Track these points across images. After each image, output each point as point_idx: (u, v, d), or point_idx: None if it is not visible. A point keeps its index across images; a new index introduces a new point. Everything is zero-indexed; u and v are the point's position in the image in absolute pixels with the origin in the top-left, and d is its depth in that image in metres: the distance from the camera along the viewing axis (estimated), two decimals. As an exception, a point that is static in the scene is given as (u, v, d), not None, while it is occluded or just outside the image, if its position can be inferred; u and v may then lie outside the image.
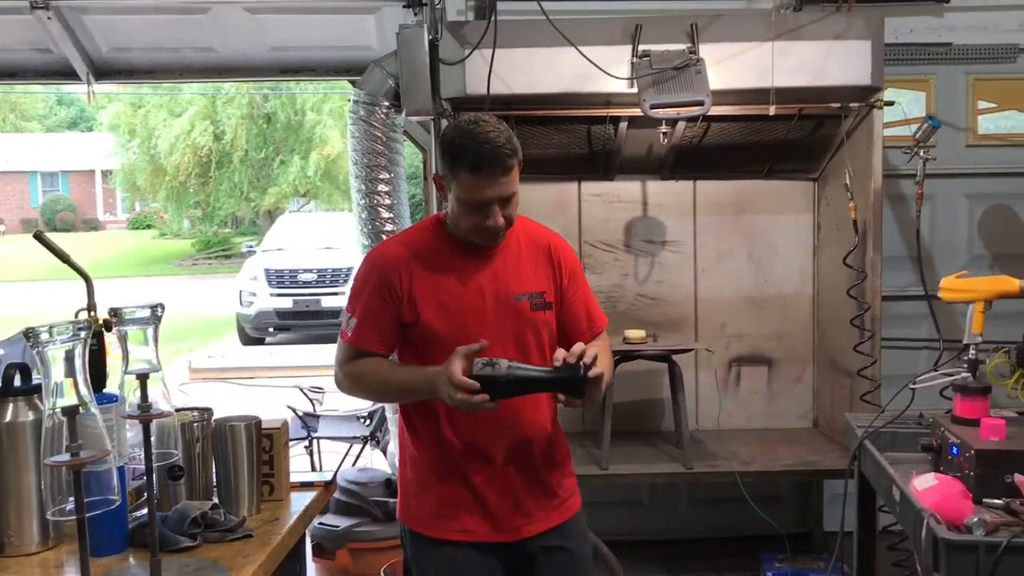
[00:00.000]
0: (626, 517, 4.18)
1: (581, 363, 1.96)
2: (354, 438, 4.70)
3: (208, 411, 2.11)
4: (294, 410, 4.77)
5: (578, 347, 2.00)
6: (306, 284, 11.44)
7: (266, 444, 2.14)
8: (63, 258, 1.88)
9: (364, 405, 5.49)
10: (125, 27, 3.95)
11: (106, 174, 29.09)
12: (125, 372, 1.61)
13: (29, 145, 31.42)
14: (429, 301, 2.12)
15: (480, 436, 2.16)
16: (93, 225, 30.59)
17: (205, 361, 10.24)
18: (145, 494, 1.76)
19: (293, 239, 12.72)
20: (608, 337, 2.37)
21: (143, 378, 1.59)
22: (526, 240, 2.24)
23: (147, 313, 1.61)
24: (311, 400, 5.12)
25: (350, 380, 2.16)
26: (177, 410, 2.09)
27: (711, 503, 4.16)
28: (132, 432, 1.91)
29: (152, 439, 1.65)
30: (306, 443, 4.70)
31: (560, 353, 2.00)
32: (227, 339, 12.13)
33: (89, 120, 33.20)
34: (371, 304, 2.13)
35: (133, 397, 1.62)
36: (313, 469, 4.55)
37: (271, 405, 5.18)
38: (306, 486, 2.27)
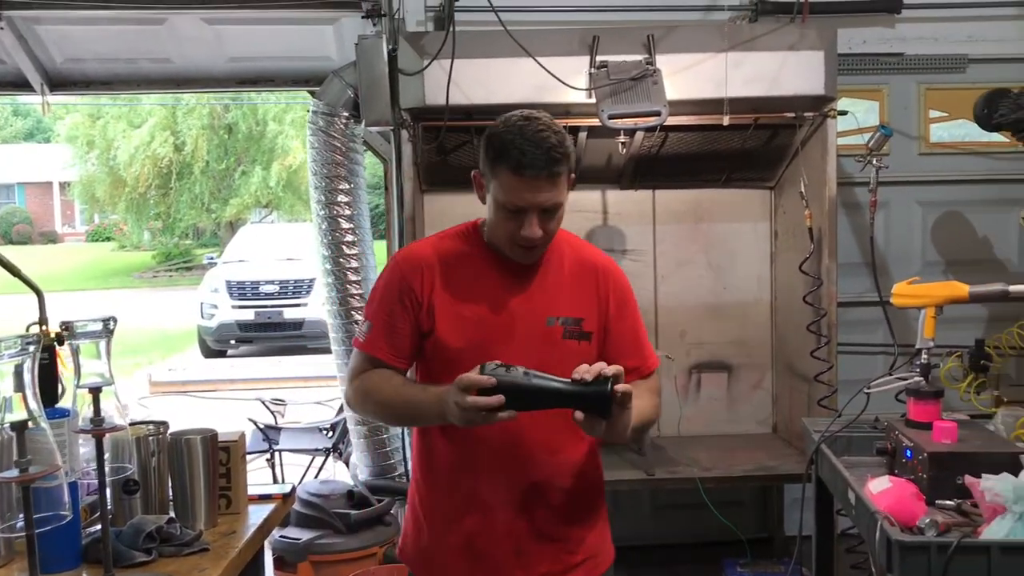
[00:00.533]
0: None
1: (609, 377, 1.70)
2: (316, 450, 4.68)
3: (164, 424, 2.09)
4: (255, 423, 4.74)
5: (600, 364, 1.73)
6: (268, 296, 11.35)
7: (223, 457, 2.12)
8: (13, 272, 1.85)
9: (326, 417, 5.48)
10: (80, 38, 3.91)
11: (64, 186, 28.68)
12: (77, 386, 1.60)
13: (-17, 157, 30.92)
14: (448, 312, 1.93)
15: (481, 479, 1.94)
16: (51, 238, 30.13)
17: (166, 374, 10.13)
18: (99, 509, 1.75)
19: (255, 250, 12.62)
20: (659, 380, 2.11)
21: (96, 392, 1.57)
22: (572, 259, 2.01)
23: (99, 327, 1.59)
24: (272, 412, 5.09)
25: (359, 395, 1.96)
26: (132, 424, 2.08)
27: (674, 509, 4.18)
28: (87, 447, 1.89)
29: (106, 453, 1.63)
30: (268, 456, 4.66)
31: (582, 367, 1.72)
32: (188, 352, 12.00)
33: (46, 131, 32.70)
34: (390, 308, 1.95)
35: (86, 411, 1.60)
36: (275, 482, 4.51)
37: (233, 418, 5.15)
38: (264, 499, 2.25)
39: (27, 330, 1.87)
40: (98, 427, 1.56)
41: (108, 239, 28.37)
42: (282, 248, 12.49)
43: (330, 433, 4.67)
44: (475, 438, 1.91)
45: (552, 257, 1.98)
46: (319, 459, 4.69)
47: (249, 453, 4.77)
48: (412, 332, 1.95)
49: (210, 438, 2.08)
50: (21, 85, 4.10)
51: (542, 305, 1.94)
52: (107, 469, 1.62)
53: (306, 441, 4.79)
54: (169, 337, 13.14)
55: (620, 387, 1.68)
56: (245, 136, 20.65)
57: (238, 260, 12.34)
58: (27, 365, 1.37)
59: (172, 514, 2.04)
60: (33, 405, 1.40)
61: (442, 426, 1.92)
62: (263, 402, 5.22)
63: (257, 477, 4.30)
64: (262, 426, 4.74)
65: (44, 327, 1.86)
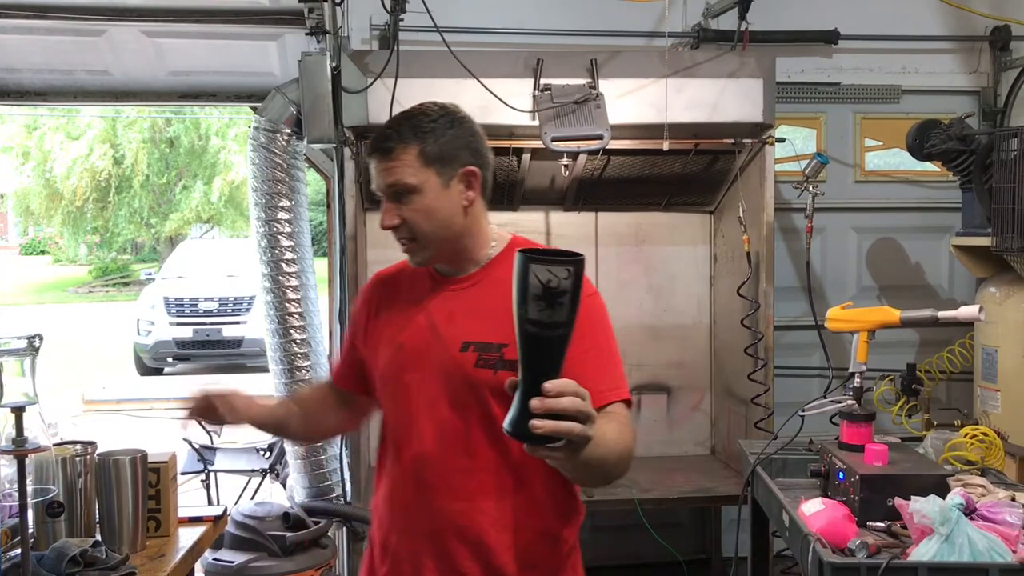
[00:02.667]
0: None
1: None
2: (253, 471, 4.60)
3: (92, 444, 2.04)
4: (190, 443, 4.64)
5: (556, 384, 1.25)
6: (207, 313, 11.16)
7: (152, 478, 2.07)
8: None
9: (263, 437, 5.39)
10: (15, 47, 3.81)
11: (-2, 197, 27.98)
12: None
13: (-87, 166, 29.99)
14: (379, 335, 1.81)
15: (394, 522, 1.76)
16: (-16, 250, 29.33)
17: (99, 392, 9.87)
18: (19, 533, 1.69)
19: (194, 266, 12.42)
20: (627, 416, 1.67)
21: (19, 411, 1.53)
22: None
23: (23, 344, 1.55)
24: (208, 432, 4.99)
25: None
26: (59, 444, 2.02)
27: (612, 531, 4.18)
28: (9, 468, 1.83)
29: (29, 475, 1.59)
30: (203, 476, 4.57)
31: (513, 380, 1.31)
32: (123, 369, 11.74)
33: (-20, 142, 31.87)
34: (351, 332, 1.92)
35: (8, 431, 1.55)
36: (210, 503, 4.42)
37: (168, 438, 5.04)
38: (195, 521, 2.20)
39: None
40: (20, 447, 1.52)
41: (43, 252, 27.69)
42: (222, 265, 12.31)
43: (267, 454, 4.59)
44: (388, 471, 1.79)
45: (493, 271, 1.77)
46: (256, 480, 4.60)
47: (184, 474, 4.70)
48: (352, 357, 1.89)
49: (139, 459, 2.03)
50: (-50, 93, 3.98)
51: (463, 329, 1.71)
52: (29, 491, 1.56)
53: (242, 462, 4.69)
54: (104, 354, 12.85)
55: (541, 424, 1.22)
56: (187, 150, 20.34)
57: (177, 276, 12.12)
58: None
59: (98, 537, 1.98)
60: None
61: (380, 453, 1.83)
62: (199, 422, 5.11)
63: (192, 498, 4.22)
64: (197, 446, 4.64)
65: (-29, 343, 1.80)
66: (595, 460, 1.39)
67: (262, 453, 4.63)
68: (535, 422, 1.21)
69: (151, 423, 8.47)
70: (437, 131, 1.69)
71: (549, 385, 1.22)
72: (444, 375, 1.69)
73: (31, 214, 22.47)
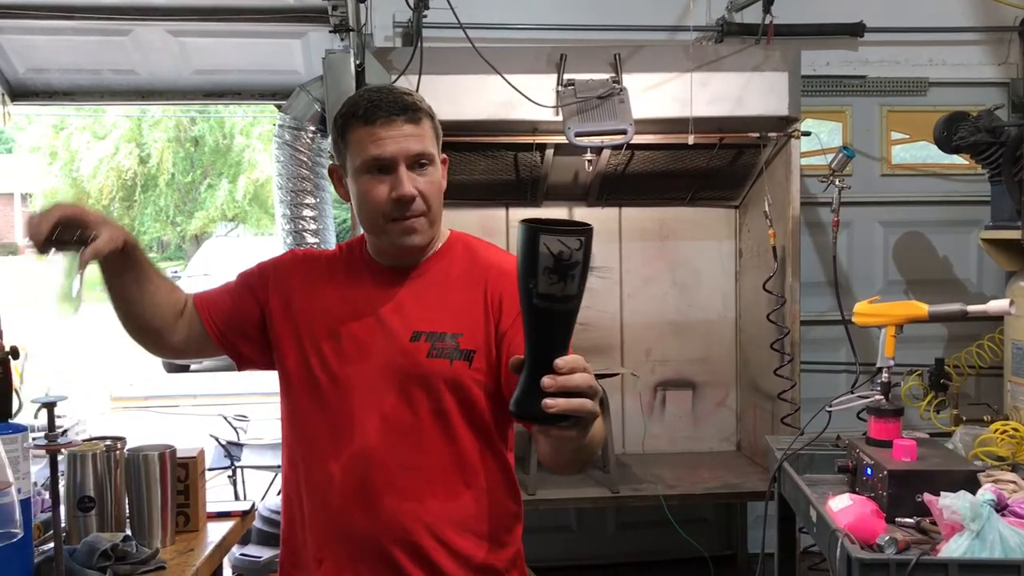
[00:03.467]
0: (554, 543, 4.17)
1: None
2: (279, 467, 4.62)
3: (121, 440, 2.05)
4: (217, 439, 4.68)
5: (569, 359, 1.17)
6: (233, 310, 11.21)
7: (181, 473, 2.09)
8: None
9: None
10: (43, 48, 3.86)
11: (26, 197, 28.27)
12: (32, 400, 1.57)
13: (-58, 167, 30.40)
14: (313, 324, 1.65)
15: (329, 532, 1.61)
16: (11, 250, 29.62)
17: (127, 389, 9.98)
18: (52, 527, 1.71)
19: (220, 264, 12.50)
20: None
21: (50, 407, 1.54)
22: (462, 263, 1.68)
23: None
24: (235, 428, 5.03)
25: None
26: (90, 439, 2.05)
27: (638, 527, 4.18)
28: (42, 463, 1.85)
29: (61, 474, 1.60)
30: (229, 472, 4.60)
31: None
32: (150, 367, 11.84)
33: (8, 142, 32.24)
34: (236, 287, 1.79)
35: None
36: (236, 499, 4.45)
37: (195, 434, 5.08)
38: (223, 516, 2.22)
39: (-20, 343, 1.84)
40: (52, 443, 1.53)
41: (71, 251, 27.95)
42: (248, 262, 12.33)
43: (294, 449, 4.61)
44: (321, 471, 1.61)
45: (438, 262, 1.67)
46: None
47: (211, 469, 4.73)
48: (235, 307, 1.73)
49: (168, 454, 2.04)
50: (-21, 94, 4.04)
51: (413, 318, 1.61)
52: (61, 485, 1.58)
53: (268, 457, 4.72)
54: (131, 351, 12.95)
55: (555, 402, 1.14)
56: (212, 149, 20.50)
57: (202, 274, 12.21)
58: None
59: (128, 532, 2.00)
60: (-17, 420, 1.37)
61: (288, 446, 1.68)
62: (225, 418, 5.15)
63: (219, 494, 4.25)
64: (224, 442, 4.68)
65: (-1, 341, 1.83)
66: (595, 440, 1.36)
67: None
68: (548, 401, 1.13)
69: (177, 419, 8.55)
70: (433, 113, 1.65)
71: (561, 362, 1.15)
72: (390, 367, 1.58)
73: (59, 213, 22.67)
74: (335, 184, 1.72)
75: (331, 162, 1.74)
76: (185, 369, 11.52)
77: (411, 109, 1.58)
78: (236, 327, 1.73)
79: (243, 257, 12.66)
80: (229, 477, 4.60)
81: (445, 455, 1.60)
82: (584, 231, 1.12)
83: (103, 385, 10.08)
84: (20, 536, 1.42)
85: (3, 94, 3.98)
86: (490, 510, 1.64)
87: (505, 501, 1.68)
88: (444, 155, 1.67)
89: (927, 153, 4.23)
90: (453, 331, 1.59)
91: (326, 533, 1.60)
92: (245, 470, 4.66)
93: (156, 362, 11.71)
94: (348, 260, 1.72)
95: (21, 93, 4.04)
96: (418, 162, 1.58)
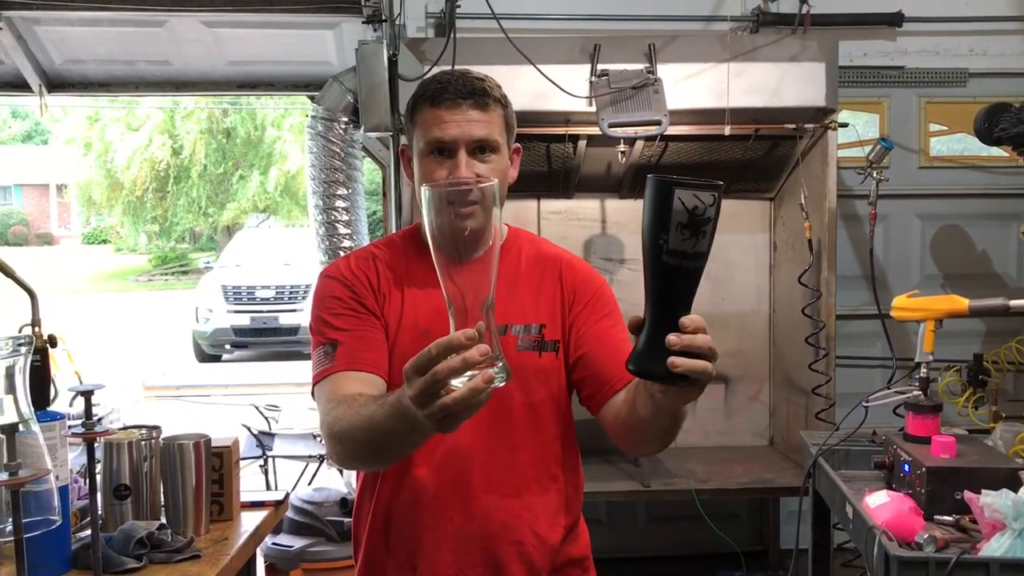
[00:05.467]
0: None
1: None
2: (310, 457, 4.65)
3: (156, 429, 2.07)
4: (249, 428, 4.71)
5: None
6: (264, 301, 11.32)
7: (215, 463, 2.10)
8: (7, 273, 1.84)
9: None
10: (79, 39, 3.90)
11: (61, 188, 28.67)
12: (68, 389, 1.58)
13: (-20, 159, 30.89)
14: (402, 326, 1.60)
15: (426, 532, 1.58)
16: (47, 239, 30.09)
17: (159, 378, 10.09)
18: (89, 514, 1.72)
19: (251, 255, 12.60)
20: None
21: (87, 395, 1.55)
22: (529, 255, 1.68)
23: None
24: (266, 418, 5.06)
25: (333, 440, 1.46)
26: (125, 428, 2.06)
27: (669, 521, 4.16)
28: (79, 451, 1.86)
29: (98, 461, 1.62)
30: (261, 462, 4.63)
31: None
32: (183, 356, 11.97)
33: (44, 133, 32.71)
34: (353, 320, 1.59)
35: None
36: (268, 488, 4.48)
37: (227, 423, 5.12)
38: (257, 505, 2.22)
39: (19, 331, 1.85)
40: (89, 431, 1.54)
41: (104, 242, 28.35)
42: (279, 253, 12.47)
43: (323, 439, 4.64)
44: (411, 474, 1.58)
45: (506, 255, 1.62)
46: (313, 465, 4.66)
47: (243, 459, 4.77)
48: (381, 340, 1.59)
49: (203, 443, 2.05)
50: (20, 86, 4.08)
51: (496, 310, 1.48)
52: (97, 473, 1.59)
53: (300, 447, 4.75)
54: (164, 341, 13.11)
55: (681, 361, 1.13)
56: (244, 141, 20.66)
57: (234, 265, 12.31)
58: (19, 366, 1.35)
59: (164, 520, 2.01)
60: (24, 407, 1.37)
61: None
62: (257, 407, 5.19)
63: (251, 483, 4.28)
64: (256, 432, 4.71)
65: (37, 329, 1.84)
66: (683, 416, 1.40)
67: (318, 439, 4.68)
68: (675, 359, 1.12)
69: (209, 409, 8.63)
70: (507, 102, 1.63)
71: (687, 320, 1.14)
72: None
73: (93, 204, 23.05)
74: (404, 164, 1.69)
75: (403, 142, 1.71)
76: (217, 359, 11.63)
77: (479, 94, 1.56)
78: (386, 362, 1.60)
79: (274, 248, 12.82)
80: (261, 467, 4.63)
81: (535, 449, 1.61)
82: (716, 187, 1.11)
83: (136, 374, 10.19)
84: (59, 523, 1.43)
85: (40, 85, 4.02)
86: (571, 501, 1.66)
87: (579, 490, 1.70)
88: (517, 145, 1.65)
89: (966, 145, 4.15)
90: (537, 322, 1.61)
91: (418, 538, 1.58)
92: (276, 460, 4.69)
93: (188, 351, 11.85)
94: (416, 254, 1.65)
95: (58, 84, 4.09)
96: (480, 148, 1.56)
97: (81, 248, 28.50)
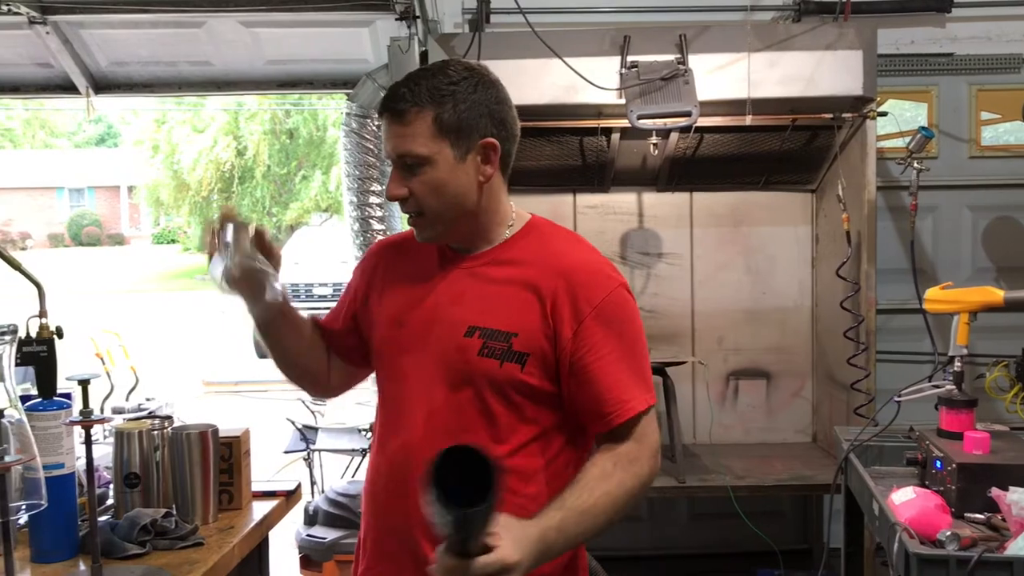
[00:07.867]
0: (624, 532, 4.12)
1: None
2: (353, 451, 4.70)
3: (169, 419, 2.10)
4: (293, 422, 4.78)
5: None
6: (321, 298, 11.49)
7: (224, 452, 2.12)
8: (14, 266, 1.89)
9: (368, 418, 5.50)
10: (122, 41, 3.98)
11: (131, 189, 29.47)
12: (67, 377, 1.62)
13: (57, 161, 31.89)
14: (382, 310, 1.65)
15: (371, 519, 1.63)
16: (118, 240, 30.96)
17: (218, 374, 10.29)
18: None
19: (309, 253, 12.77)
20: (643, 429, 1.54)
21: (84, 384, 1.58)
22: (532, 256, 1.58)
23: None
24: (312, 412, 5.12)
25: None
26: (139, 418, 2.10)
27: (710, 518, 4.09)
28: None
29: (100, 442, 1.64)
30: (305, 455, 4.69)
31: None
32: (242, 353, 12.19)
33: (116, 136, 33.68)
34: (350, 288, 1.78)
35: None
36: (312, 482, 4.54)
37: (277, 417, 5.20)
38: (268, 495, 2.24)
39: (27, 323, 1.90)
40: (86, 419, 1.57)
41: (173, 241, 29.06)
42: (336, 251, 12.62)
43: (367, 434, 4.68)
44: (374, 462, 1.64)
45: (507, 252, 1.59)
46: (357, 459, 4.70)
47: (287, 452, 4.84)
48: (348, 311, 1.74)
49: (210, 433, 2.07)
50: (68, 88, 4.18)
51: (471, 311, 1.54)
52: (97, 459, 1.62)
53: (344, 441, 4.80)
54: (225, 337, 13.37)
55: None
56: (306, 141, 21.00)
57: (292, 263, 12.50)
58: (5, 354, 1.38)
59: (172, 508, 2.04)
60: (10, 394, 1.40)
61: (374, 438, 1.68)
62: (304, 402, 5.26)
63: (296, 476, 4.34)
64: (300, 426, 4.77)
65: (44, 320, 1.89)
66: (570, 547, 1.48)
67: (363, 433, 4.73)
68: None
69: (265, 404, 8.78)
70: (457, 95, 1.49)
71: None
72: (443, 360, 1.52)
73: (161, 204, 23.65)
74: None
75: None
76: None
77: (398, 100, 1.50)
78: (356, 339, 1.75)
79: (331, 246, 12.96)
80: (305, 460, 4.69)
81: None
82: (487, 506, 1.20)
83: (196, 370, 10.41)
84: (43, 507, 1.46)
85: (87, 87, 4.12)
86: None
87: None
88: (490, 140, 1.53)
89: (1019, 134, 4.01)
90: (508, 330, 1.51)
91: (371, 525, 1.62)
92: (321, 453, 4.74)
93: (248, 347, 12.05)
94: (414, 248, 1.66)
95: (104, 86, 4.18)
96: (404, 163, 1.52)
97: (150, 248, 29.25)
